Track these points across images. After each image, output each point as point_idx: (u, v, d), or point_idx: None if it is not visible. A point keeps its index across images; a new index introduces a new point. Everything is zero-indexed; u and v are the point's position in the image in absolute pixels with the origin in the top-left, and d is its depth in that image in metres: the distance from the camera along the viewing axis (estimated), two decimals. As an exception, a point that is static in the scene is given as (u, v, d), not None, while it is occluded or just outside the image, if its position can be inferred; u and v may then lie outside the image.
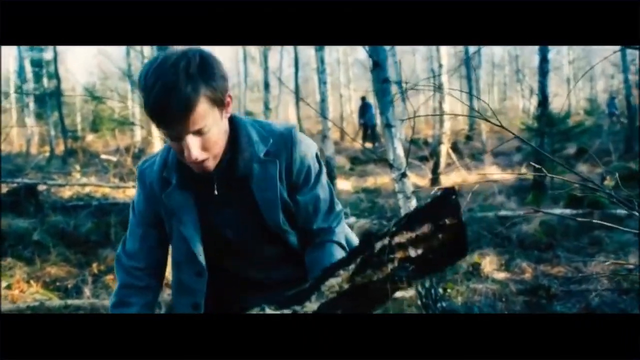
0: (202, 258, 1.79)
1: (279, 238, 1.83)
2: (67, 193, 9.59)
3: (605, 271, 5.52)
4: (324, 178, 1.89)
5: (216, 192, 1.74)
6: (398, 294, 3.72)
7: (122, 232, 6.98)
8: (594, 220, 1.96)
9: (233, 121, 1.72)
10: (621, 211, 7.56)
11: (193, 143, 1.53)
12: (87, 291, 5.02)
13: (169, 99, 1.45)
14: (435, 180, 10.93)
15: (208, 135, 1.55)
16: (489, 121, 1.87)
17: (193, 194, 1.75)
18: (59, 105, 19.15)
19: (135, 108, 17.27)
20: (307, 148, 1.80)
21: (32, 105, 22.76)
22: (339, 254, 1.79)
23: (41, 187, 9.00)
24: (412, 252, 1.34)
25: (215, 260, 1.83)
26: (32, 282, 5.36)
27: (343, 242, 1.89)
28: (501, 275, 5.45)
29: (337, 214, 1.92)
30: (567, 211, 7.36)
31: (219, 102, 1.56)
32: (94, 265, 5.88)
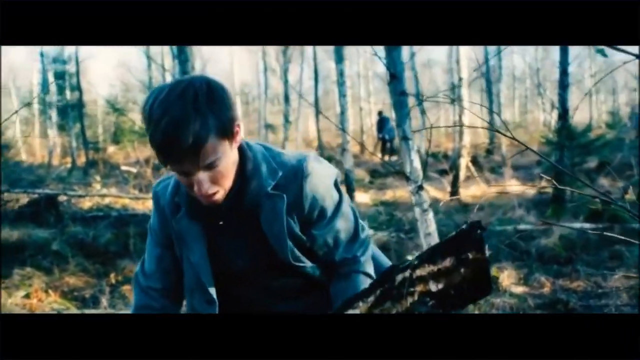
0: (211, 288, 1.73)
1: (294, 270, 1.74)
2: (87, 204, 9.67)
3: (625, 286, 5.46)
4: (345, 206, 1.78)
5: (221, 223, 1.69)
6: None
7: (141, 244, 7.06)
8: (605, 233, 1.94)
9: (242, 150, 1.65)
10: (641, 226, 7.48)
11: (203, 178, 1.49)
12: (104, 301, 5.04)
13: (177, 135, 1.39)
14: (454, 193, 10.88)
15: (218, 169, 1.50)
16: (501, 133, 1.86)
17: (202, 223, 1.70)
18: (81, 116, 19.36)
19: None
20: (320, 180, 1.70)
21: (54, 116, 23.01)
22: (365, 284, 1.68)
23: (61, 198, 9.08)
24: (433, 287, 1.30)
25: (227, 289, 1.78)
26: (50, 291, 5.40)
27: (370, 271, 1.79)
28: (519, 290, 5.40)
29: (362, 241, 1.81)
30: (586, 225, 7.29)
31: (229, 134, 1.49)
32: (112, 275, 5.91)
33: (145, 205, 9.59)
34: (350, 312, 1.34)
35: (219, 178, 1.52)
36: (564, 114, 9.27)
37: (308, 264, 1.74)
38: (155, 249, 1.81)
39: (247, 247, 1.71)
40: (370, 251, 1.85)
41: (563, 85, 9.39)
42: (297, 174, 1.66)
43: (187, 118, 1.39)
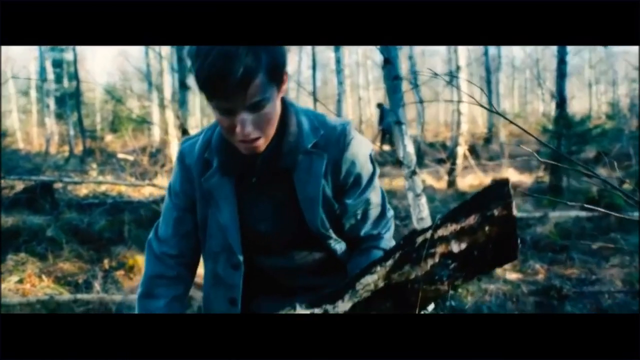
0: (238, 250, 1.64)
1: (317, 242, 1.66)
2: (83, 191, 9.67)
3: (620, 274, 5.46)
4: (377, 181, 1.72)
5: (254, 180, 1.59)
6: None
7: (136, 230, 7.06)
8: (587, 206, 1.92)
9: (284, 105, 1.58)
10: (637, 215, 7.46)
11: (247, 118, 1.38)
12: (97, 286, 5.04)
13: (227, 66, 1.30)
14: (451, 183, 10.87)
15: (264, 111, 1.40)
16: (506, 119, 1.83)
17: (233, 180, 1.61)
18: (78, 105, 19.32)
19: (153, 108, 17.36)
20: (361, 147, 1.63)
21: (52, 105, 22.97)
22: None
23: (57, 185, 9.07)
24: (455, 247, 1.22)
25: (250, 257, 1.69)
26: (43, 276, 5.39)
27: None
28: (513, 276, 5.39)
29: (388, 220, 1.75)
30: (582, 213, 7.28)
31: (278, 78, 1.42)
32: (106, 261, 5.90)
33: (141, 192, 9.58)
34: (368, 277, 1.29)
35: (264, 122, 1.42)
36: (561, 102, 9.25)
37: (333, 236, 1.66)
38: (173, 212, 1.72)
39: (275, 209, 1.63)
40: (392, 231, 1.78)
41: (561, 74, 9.38)
42: (339, 135, 1.60)
43: (238, 51, 1.31)
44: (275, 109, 1.45)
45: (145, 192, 9.61)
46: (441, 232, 1.23)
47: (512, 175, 11.32)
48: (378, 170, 1.71)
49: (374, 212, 1.70)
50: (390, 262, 1.29)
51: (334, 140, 1.59)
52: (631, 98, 23.93)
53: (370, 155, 1.67)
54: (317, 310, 1.35)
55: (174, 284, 1.72)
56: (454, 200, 9.26)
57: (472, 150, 14.17)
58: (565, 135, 9.27)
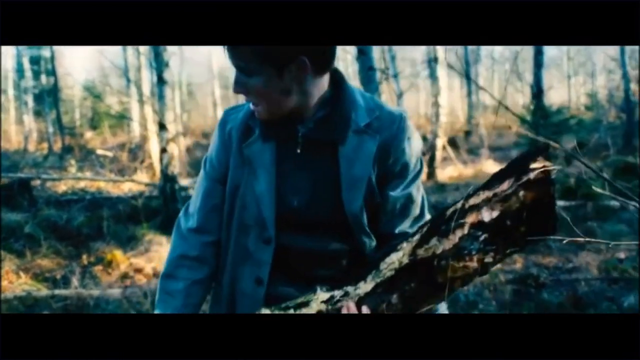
0: (271, 223, 1.55)
1: (348, 230, 1.55)
2: (61, 188, 9.60)
3: (596, 261, 5.52)
4: (421, 182, 1.63)
5: (299, 151, 1.53)
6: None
7: (114, 226, 7.03)
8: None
9: (339, 79, 1.55)
10: (615, 203, 7.56)
11: (238, 79, 1.45)
12: (75, 281, 5.01)
13: None
14: (430, 175, 10.91)
15: (252, 81, 1.43)
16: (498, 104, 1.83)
17: (274, 149, 1.55)
18: (56, 102, 19.16)
19: (132, 104, 17.26)
20: (414, 139, 1.56)
21: (30, 102, 22.75)
22: None
23: (35, 182, 9.00)
24: (486, 215, 1.13)
25: (277, 234, 1.58)
26: (21, 273, 5.36)
27: None
28: (492, 266, 5.43)
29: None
30: (560, 202, 7.34)
31: (275, 62, 1.41)
32: (84, 257, 5.87)
33: (120, 188, 9.54)
34: (393, 255, 1.25)
35: (252, 92, 1.46)
36: (538, 93, 9.31)
37: (366, 228, 1.55)
38: (204, 182, 1.67)
39: (314, 184, 1.55)
40: None
41: (538, 64, 9.44)
42: (394, 120, 1.54)
43: None
44: (269, 87, 1.43)
45: (125, 188, 9.58)
46: (473, 200, 1.15)
47: (492, 167, 11.38)
48: (424, 172, 1.65)
49: (413, 210, 1.59)
50: (417, 237, 1.23)
51: (389, 125, 1.53)
52: (609, 89, 24.12)
53: (421, 154, 1.61)
54: (337, 292, 1.32)
55: (196, 266, 1.66)
56: (433, 192, 9.31)
57: (452, 142, 14.23)
58: (543, 125, 9.34)
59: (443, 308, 1.66)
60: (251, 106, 1.51)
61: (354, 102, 1.53)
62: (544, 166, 1.11)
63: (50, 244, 6.22)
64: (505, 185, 1.11)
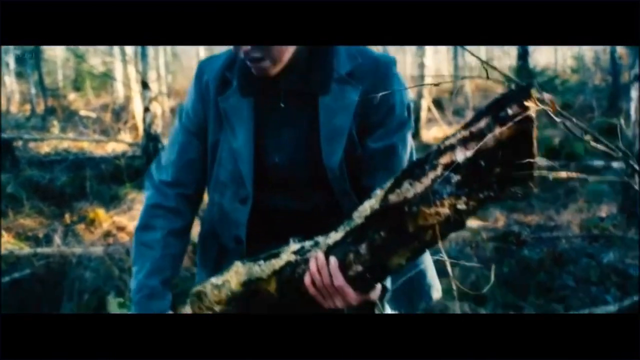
0: (249, 180, 1.49)
1: (329, 189, 1.48)
2: (44, 149, 9.52)
3: (577, 219, 5.57)
4: (409, 136, 1.52)
5: (282, 105, 1.46)
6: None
7: (97, 186, 7.00)
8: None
9: None
10: (598, 162, 7.62)
11: None
12: (57, 240, 5.00)
13: None
14: (414, 135, 10.87)
15: None
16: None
17: (253, 103, 1.47)
18: (39, 63, 18.91)
19: (115, 64, 17.05)
20: (401, 85, 1.47)
21: (12, 64, 22.44)
22: None
23: (17, 143, 8.93)
24: (460, 154, 1.05)
25: (256, 193, 1.52)
26: (3, 232, 5.33)
27: None
28: (474, 223, 5.47)
29: None
30: (544, 162, 7.37)
31: None
32: (67, 216, 5.85)
33: (103, 149, 9.48)
34: (366, 203, 1.17)
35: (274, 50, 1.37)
36: (523, 54, 9.29)
37: (347, 188, 1.48)
38: (179, 135, 1.60)
39: (296, 140, 1.48)
40: None
41: (523, 24, 9.40)
42: (379, 67, 1.46)
43: None
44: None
45: (108, 148, 9.53)
46: (449, 141, 1.08)
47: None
48: (412, 126, 1.54)
49: (397, 164, 1.48)
50: (390, 182, 1.15)
51: (372, 70, 1.45)
52: (595, 52, 24.09)
53: (409, 105, 1.51)
54: (307, 243, 1.29)
55: (172, 215, 1.59)
56: (418, 152, 9.29)
57: (437, 103, 14.18)
58: (528, 86, 9.32)
59: (428, 262, 1.63)
60: (251, 60, 1.39)
61: (335, 49, 1.46)
62: (522, 101, 1.02)
63: (33, 204, 6.19)
64: (482, 123, 1.04)
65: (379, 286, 1.30)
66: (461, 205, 1.09)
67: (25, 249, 4.88)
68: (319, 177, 1.47)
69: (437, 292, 1.66)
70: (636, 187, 1.25)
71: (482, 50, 37.00)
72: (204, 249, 1.72)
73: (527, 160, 1.02)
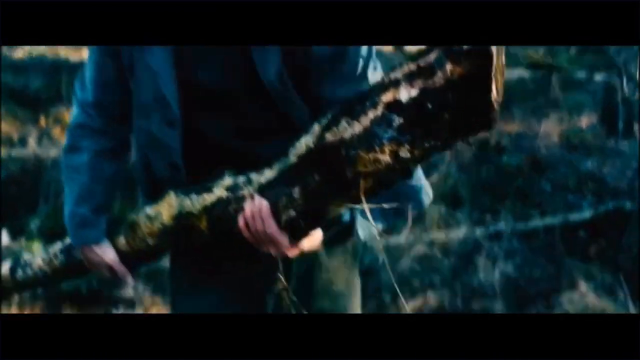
0: (174, 102, 1.31)
1: (272, 103, 1.28)
2: (19, 54, 9.31)
3: (557, 129, 5.59)
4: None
5: None
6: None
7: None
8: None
9: None
10: (581, 75, 7.56)
11: None
12: (32, 143, 4.95)
13: None
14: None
15: None
16: None
17: None
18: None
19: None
20: None
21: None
22: None
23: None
24: (404, 93, 0.91)
25: (187, 115, 1.34)
26: (-24, 136, 5.27)
27: None
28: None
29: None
30: (525, 74, 7.33)
31: None
32: (42, 119, 5.77)
33: (79, 54, 9.29)
34: (303, 139, 1.06)
35: None
36: None
37: (295, 99, 1.27)
38: (94, 54, 1.42)
39: (220, 56, 1.29)
40: None
41: None
42: None
43: None
44: None
45: (84, 53, 9.32)
46: (394, 74, 0.95)
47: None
48: None
49: (347, 68, 1.26)
50: (328, 116, 1.02)
51: None
52: None
53: None
54: (240, 179, 1.19)
55: (99, 136, 1.46)
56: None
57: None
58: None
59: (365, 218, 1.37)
60: None
61: None
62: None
63: (8, 109, 6.09)
64: (431, 57, 0.89)
65: (317, 235, 1.22)
66: (404, 153, 0.97)
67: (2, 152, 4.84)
68: (255, 91, 1.27)
69: (427, 197, 1.47)
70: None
71: None
72: (138, 180, 1.55)
73: (484, 106, 0.89)
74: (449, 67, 0.87)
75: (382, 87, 0.95)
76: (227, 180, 1.21)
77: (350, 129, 0.97)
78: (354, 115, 0.97)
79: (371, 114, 0.95)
